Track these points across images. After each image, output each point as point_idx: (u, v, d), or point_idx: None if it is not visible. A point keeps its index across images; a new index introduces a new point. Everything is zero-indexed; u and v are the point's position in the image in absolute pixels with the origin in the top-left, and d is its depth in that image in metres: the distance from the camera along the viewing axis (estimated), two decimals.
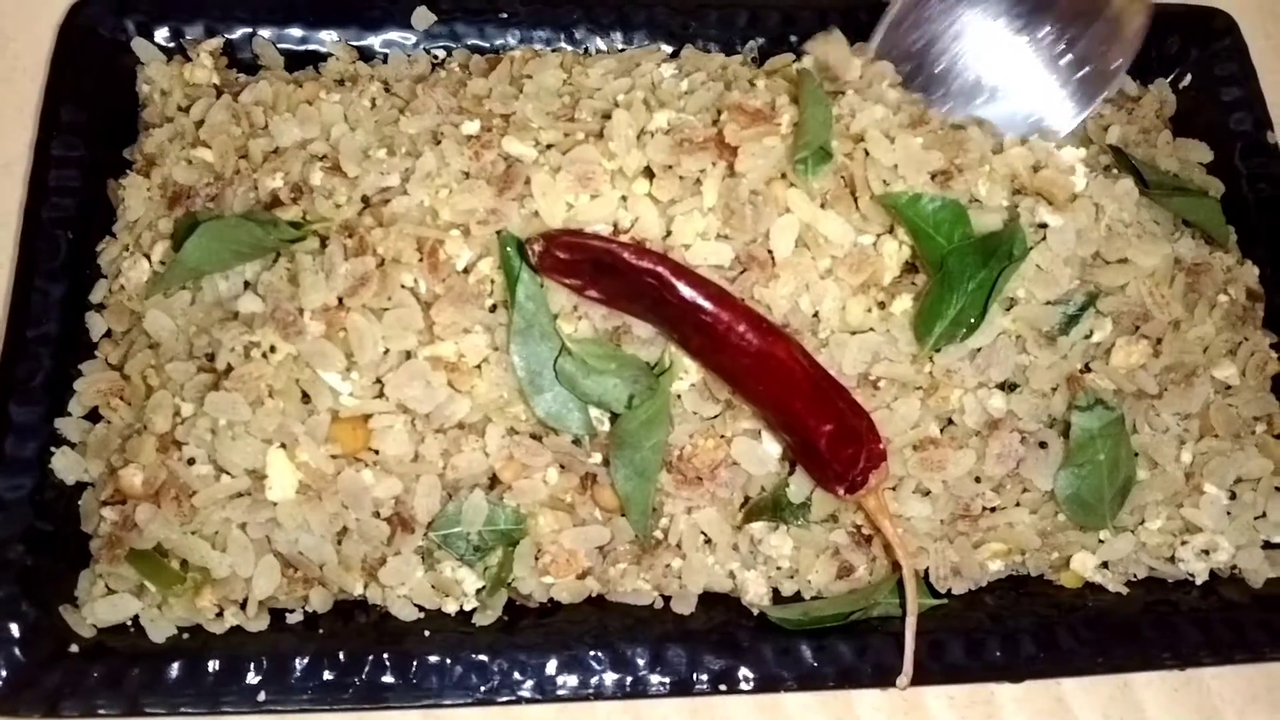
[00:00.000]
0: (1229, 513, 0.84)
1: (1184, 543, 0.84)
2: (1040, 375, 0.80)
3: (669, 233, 0.79)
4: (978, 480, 0.81)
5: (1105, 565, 0.84)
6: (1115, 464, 0.80)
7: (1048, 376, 0.80)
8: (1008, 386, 0.81)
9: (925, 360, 0.79)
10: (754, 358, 0.75)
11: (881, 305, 0.80)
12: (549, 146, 0.81)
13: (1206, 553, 0.84)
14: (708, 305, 0.75)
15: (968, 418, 0.80)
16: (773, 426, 0.78)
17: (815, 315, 0.79)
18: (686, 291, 0.74)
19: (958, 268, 0.77)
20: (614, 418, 0.77)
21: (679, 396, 0.79)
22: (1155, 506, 0.83)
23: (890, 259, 0.80)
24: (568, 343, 0.76)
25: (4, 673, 0.74)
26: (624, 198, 0.78)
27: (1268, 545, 0.84)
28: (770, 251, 0.78)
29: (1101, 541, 0.83)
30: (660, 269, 0.74)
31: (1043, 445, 0.81)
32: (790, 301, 0.78)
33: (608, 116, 0.80)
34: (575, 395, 0.76)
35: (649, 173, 0.80)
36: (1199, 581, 0.84)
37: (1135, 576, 0.84)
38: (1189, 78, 1.02)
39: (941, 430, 0.80)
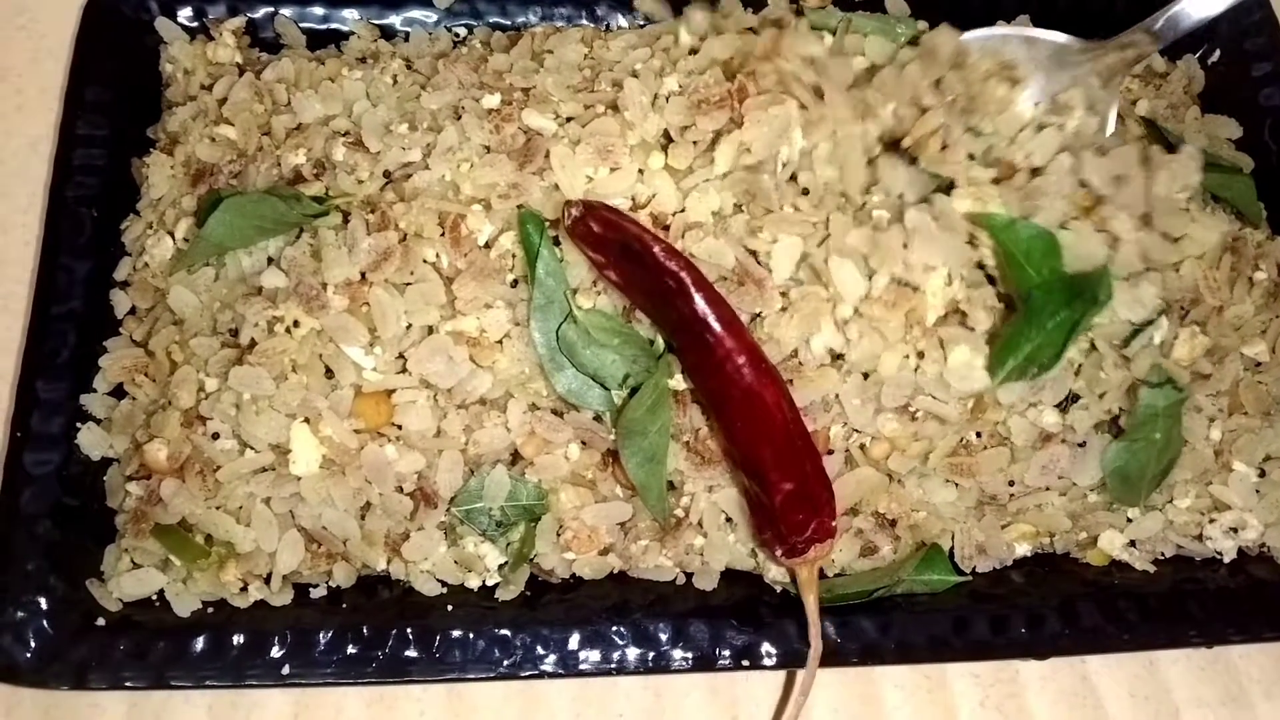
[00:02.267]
0: (1258, 490, 0.83)
1: (1212, 520, 0.83)
2: (1104, 388, 0.79)
3: (683, 208, 0.79)
4: (1011, 483, 0.80)
5: (1132, 544, 0.83)
6: (1167, 444, 0.79)
7: (1112, 388, 0.79)
8: (1066, 403, 0.79)
9: (987, 399, 0.77)
10: (742, 392, 0.74)
11: (921, 355, 0.77)
12: (569, 119, 0.81)
13: (1235, 530, 0.83)
14: (716, 326, 0.74)
15: (1017, 437, 0.79)
16: (734, 463, 0.77)
17: (838, 358, 0.78)
18: (700, 306, 0.74)
19: (1042, 303, 0.75)
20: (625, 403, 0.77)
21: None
22: (1184, 484, 0.83)
23: (936, 297, 0.77)
24: (575, 310, 0.75)
25: (33, 645, 0.74)
26: (641, 171, 0.78)
27: None
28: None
29: (1130, 520, 0.83)
30: (684, 275, 0.74)
31: (1082, 445, 0.80)
32: (798, 340, 0.77)
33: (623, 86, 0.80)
34: (573, 365, 0.76)
35: (667, 138, 0.79)
36: (1227, 559, 0.83)
37: (1163, 555, 0.83)
38: (1218, 53, 1.01)
39: (977, 435, 0.80)
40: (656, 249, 0.74)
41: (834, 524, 0.75)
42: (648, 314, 0.78)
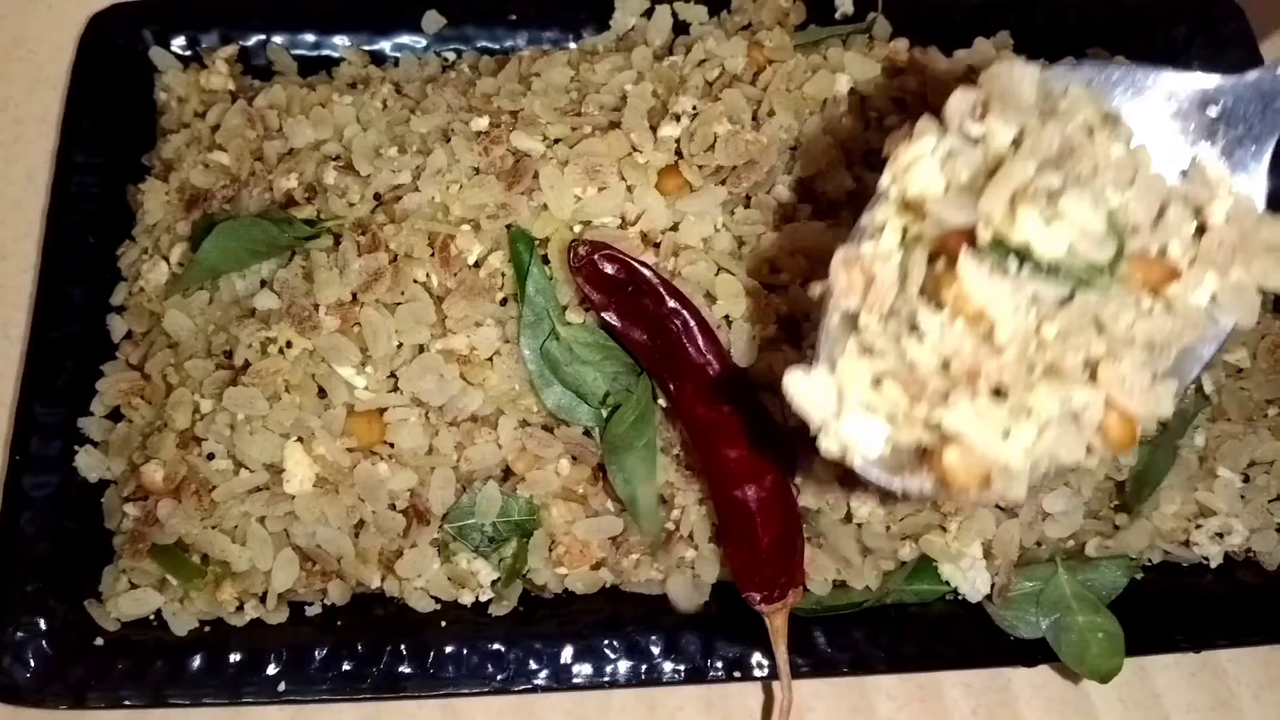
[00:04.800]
0: (1243, 496, 0.83)
1: (1198, 526, 0.83)
2: None
3: (675, 226, 0.80)
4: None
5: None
6: (1179, 449, 0.80)
7: None
8: None
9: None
10: (737, 456, 0.75)
11: None
12: (556, 141, 0.82)
13: (1220, 536, 0.83)
14: (715, 367, 0.76)
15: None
16: (718, 506, 0.77)
17: None
18: (704, 348, 0.76)
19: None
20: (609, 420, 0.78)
21: None
22: (1170, 491, 0.83)
23: None
24: (558, 326, 0.77)
25: (32, 665, 0.75)
26: (630, 189, 0.79)
27: None
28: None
29: (1117, 527, 0.83)
30: (690, 318, 0.76)
31: None
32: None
33: (617, 109, 0.82)
34: (557, 380, 0.77)
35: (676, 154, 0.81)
36: (1213, 565, 0.83)
37: (1150, 560, 0.84)
38: (1195, 66, 1.01)
39: None
40: (663, 289, 0.76)
41: (801, 575, 0.76)
42: (643, 355, 0.78)
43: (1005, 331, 0.52)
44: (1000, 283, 0.53)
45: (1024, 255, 0.52)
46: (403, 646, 0.77)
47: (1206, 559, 0.83)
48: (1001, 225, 0.52)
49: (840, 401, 0.56)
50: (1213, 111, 0.64)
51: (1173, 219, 0.58)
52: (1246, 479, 0.84)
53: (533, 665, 0.77)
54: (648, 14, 0.95)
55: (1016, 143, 0.56)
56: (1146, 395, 0.55)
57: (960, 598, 0.80)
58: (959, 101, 0.58)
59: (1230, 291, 0.58)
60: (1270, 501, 0.83)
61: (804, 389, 0.56)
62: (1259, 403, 0.85)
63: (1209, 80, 0.64)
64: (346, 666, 0.76)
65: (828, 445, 0.56)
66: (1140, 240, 0.55)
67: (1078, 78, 0.63)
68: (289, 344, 0.77)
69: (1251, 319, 0.59)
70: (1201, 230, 0.59)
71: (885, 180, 0.57)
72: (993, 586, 0.78)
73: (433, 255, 0.78)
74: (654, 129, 0.83)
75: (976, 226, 0.53)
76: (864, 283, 0.56)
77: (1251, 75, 0.63)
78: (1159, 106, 0.64)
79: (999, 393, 0.53)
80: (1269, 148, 0.63)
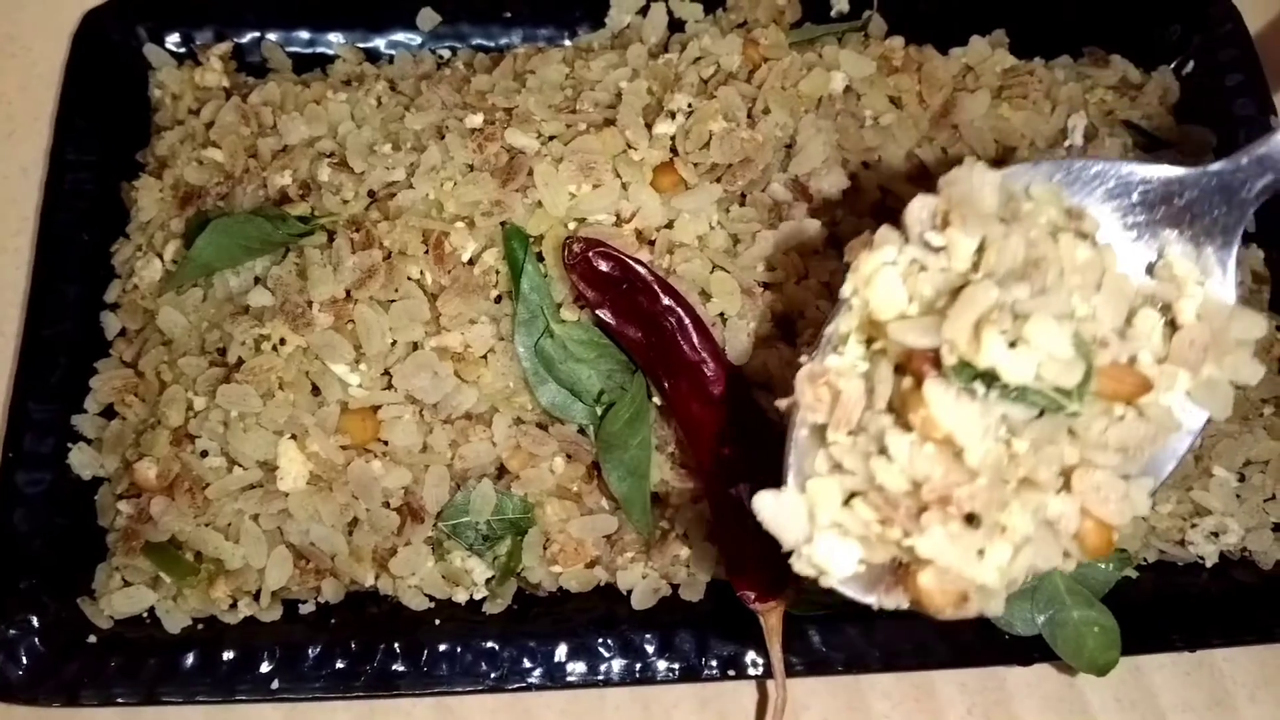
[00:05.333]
0: (1238, 495, 0.83)
1: (1194, 525, 0.83)
2: None
3: (670, 224, 0.80)
4: None
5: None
6: None
7: None
8: None
9: None
10: (731, 454, 0.75)
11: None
12: (551, 138, 0.82)
13: (1216, 535, 0.83)
14: (711, 366, 0.75)
15: None
16: (713, 503, 0.77)
17: None
18: (698, 349, 0.76)
19: None
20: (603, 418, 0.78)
21: None
22: (1165, 490, 0.83)
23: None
24: (553, 324, 0.76)
25: (25, 662, 0.75)
26: (625, 186, 0.79)
27: (1277, 527, 0.84)
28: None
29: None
30: (682, 313, 0.76)
31: None
32: None
33: (611, 106, 0.81)
34: (552, 378, 0.77)
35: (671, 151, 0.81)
36: (1209, 564, 0.83)
37: (1145, 560, 0.84)
38: (1191, 64, 1.02)
39: None
40: (657, 286, 0.76)
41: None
42: (638, 353, 0.78)
43: (975, 457, 0.52)
44: (968, 406, 0.52)
45: (991, 378, 0.52)
46: (397, 645, 0.77)
47: (1202, 558, 0.83)
48: (966, 351, 0.51)
49: (811, 522, 0.55)
50: (1179, 202, 0.62)
51: (1142, 325, 0.57)
52: (1242, 478, 0.84)
53: (527, 664, 0.77)
54: (643, 11, 0.95)
55: (981, 249, 0.55)
56: (1122, 503, 0.55)
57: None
58: (918, 209, 0.57)
59: (1203, 388, 0.58)
60: (1266, 501, 0.84)
61: (775, 511, 0.55)
62: (1255, 402, 0.86)
63: (1174, 171, 0.62)
64: (340, 665, 0.76)
65: (799, 567, 0.56)
66: (1110, 353, 0.54)
67: (1040, 174, 0.62)
68: (282, 341, 0.77)
69: (1225, 413, 0.59)
70: (1172, 325, 0.58)
71: (847, 289, 0.57)
72: None
73: (427, 252, 0.78)
74: (649, 126, 0.83)
75: (941, 350, 0.52)
76: (830, 397, 0.56)
77: (1215, 167, 0.62)
78: (1124, 199, 0.63)
79: (972, 517, 0.52)
80: (1237, 238, 0.62)
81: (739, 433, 0.75)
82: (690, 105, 0.84)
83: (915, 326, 0.53)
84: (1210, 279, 0.60)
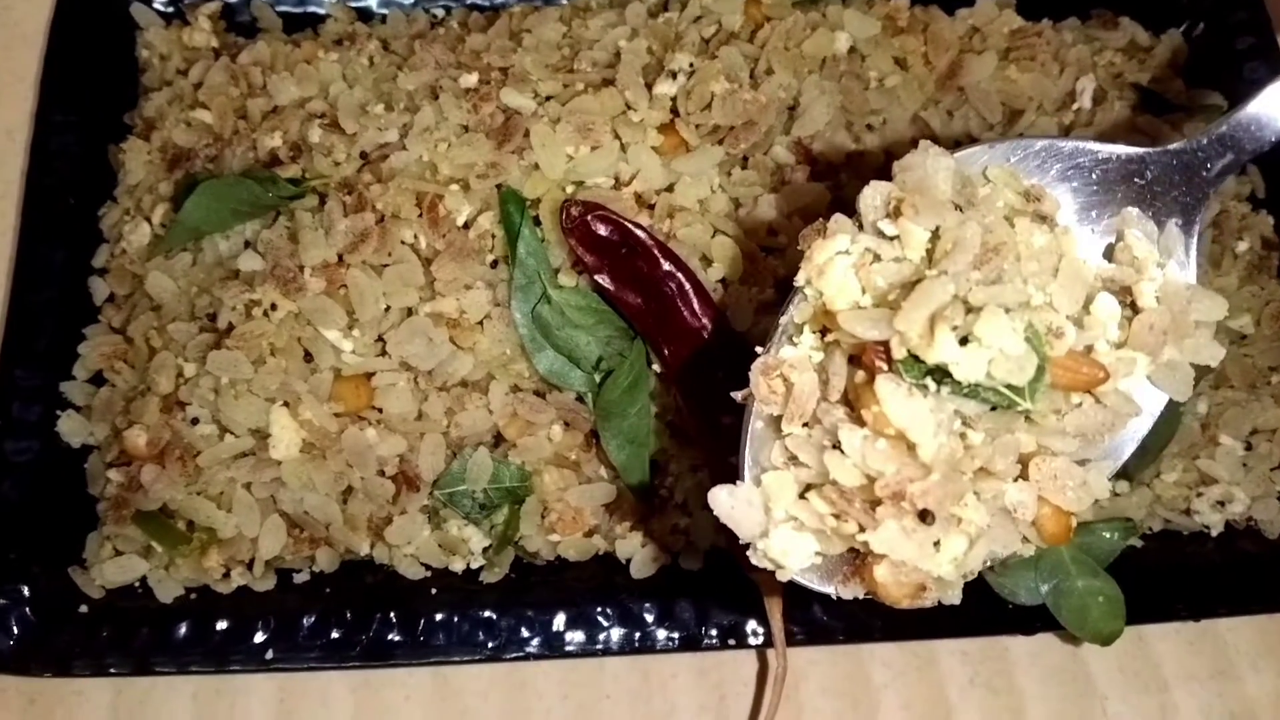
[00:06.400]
0: (1245, 464, 0.82)
1: (1199, 495, 0.82)
2: None
3: (669, 188, 0.78)
4: None
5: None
6: (1181, 418, 0.79)
7: None
8: None
9: None
10: (731, 423, 0.72)
11: None
12: (548, 98, 0.80)
13: (1222, 504, 0.82)
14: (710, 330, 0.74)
15: None
16: (713, 470, 0.76)
17: None
18: (699, 312, 0.74)
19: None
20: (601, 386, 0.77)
21: None
22: (1171, 459, 0.82)
23: None
24: (550, 289, 0.75)
25: (16, 633, 0.74)
26: (624, 148, 0.78)
27: None
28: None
29: (1116, 494, 0.82)
30: (682, 278, 0.75)
31: None
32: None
33: (610, 66, 0.80)
34: (549, 345, 0.75)
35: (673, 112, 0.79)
36: (1214, 533, 0.83)
37: (1150, 529, 0.83)
38: (1201, 26, 1.00)
39: None
40: (657, 251, 0.75)
41: None
42: (637, 319, 0.77)
43: (928, 452, 0.51)
44: (920, 402, 0.51)
45: (943, 374, 0.51)
46: (392, 614, 0.76)
47: (1207, 527, 0.83)
48: (917, 345, 0.51)
49: (767, 515, 0.55)
50: (1139, 181, 0.61)
51: (1099, 311, 0.56)
52: (1249, 447, 0.83)
53: (525, 633, 0.76)
54: None
55: (936, 237, 0.54)
56: (1080, 490, 0.55)
57: None
58: (872, 196, 0.56)
59: (1163, 371, 0.58)
60: (1272, 470, 0.83)
61: (730, 505, 0.55)
62: (1262, 369, 0.85)
63: (1134, 150, 0.61)
64: (335, 634, 0.75)
65: (756, 559, 0.56)
66: (1065, 343, 0.54)
67: (997, 156, 0.61)
68: (274, 306, 0.75)
69: (1186, 394, 0.58)
70: (1133, 308, 0.57)
71: (801, 278, 0.56)
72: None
73: (421, 216, 0.77)
74: (649, 86, 0.81)
75: (891, 343, 0.51)
76: (784, 389, 0.55)
77: (1176, 146, 0.61)
78: (1084, 179, 0.62)
79: (926, 512, 0.52)
80: (1198, 218, 0.61)
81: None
82: (691, 65, 0.82)
83: (866, 318, 0.53)
84: (1170, 260, 0.59)
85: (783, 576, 0.56)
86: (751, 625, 0.77)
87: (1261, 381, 0.84)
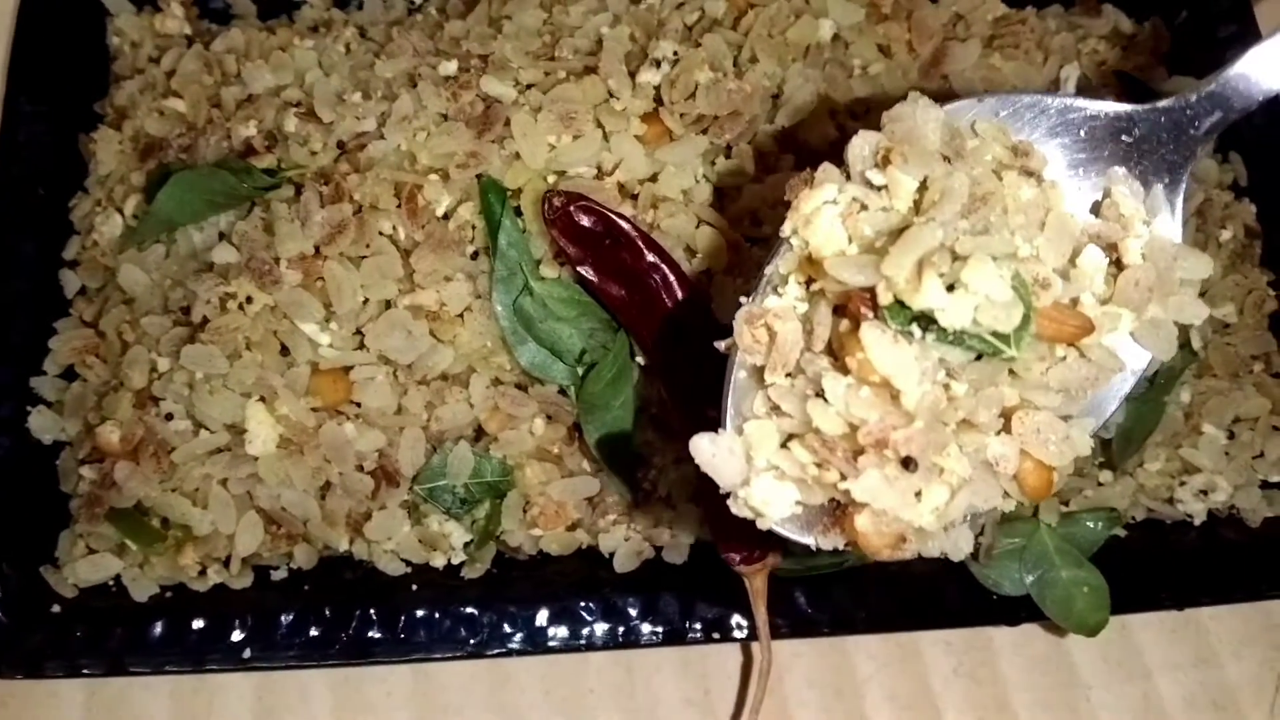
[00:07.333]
0: (1227, 453, 0.82)
1: (1182, 483, 0.83)
2: None
3: (654, 177, 0.77)
4: None
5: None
6: (1165, 406, 0.79)
7: None
8: None
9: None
10: (716, 415, 0.72)
11: None
12: (529, 86, 0.79)
13: (1205, 493, 0.82)
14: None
15: None
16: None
17: None
18: (683, 303, 0.73)
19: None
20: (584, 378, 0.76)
21: None
22: (1154, 448, 0.82)
23: None
24: (532, 281, 0.74)
25: None
26: (606, 137, 0.77)
27: (1265, 485, 0.83)
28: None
29: (1100, 484, 0.82)
30: (667, 269, 0.74)
31: None
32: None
33: (592, 53, 0.78)
34: (531, 338, 0.75)
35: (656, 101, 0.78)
36: (1197, 522, 0.83)
37: (1134, 518, 0.83)
38: (1184, 13, 1.00)
39: None
40: (640, 242, 0.74)
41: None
42: (620, 311, 0.76)
43: (911, 400, 0.51)
44: (905, 349, 0.51)
45: (929, 320, 0.51)
46: (372, 611, 0.75)
47: (1191, 516, 0.83)
48: (903, 290, 0.50)
49: (749, 464, 0.55)
50: (1127, 139, 0.61)
51: (1086, 264, 0.56)
52: (1231, 435, 0.83)
53: (507, 629, 0.75)
54: None
55: (924, 188, 0.54)
56: (1062, 444, 0.55)
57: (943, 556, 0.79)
58: (860, 145, 0.56)
59: (1147, 328, 0.57)
60: (1254, 458, 0.83)
61: (711, 453, 0.55)
62: (1245, 358, 0.85)
63: (1122, 107, 0.61)
64: (314, 632, 0.75)
65: (736, 509, 0.55)
66: (1051, 294, 0.54)
67: (985, 110, 0.61)
68: (249, 299, 0.74)
69: (1170, 352, 0.58)
70: (1118, 264, 0.57)
71: (787, 228, 0.56)
72: (977, 546, 0.77)
73: (399, 206, 0.76)
74: (632, 75, 0.80)
75: (877, 289, 0.51)
76: (768, 339, 0.55)
77: (1164, 103, 0.61)
78: (1072, 135, 0.61)
79: (909, 461, 0.52)
80: (1185, 176, 0.61)
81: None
82: (675, 53, 0.81)
83: (853, 264, 0.53)
84: (1157, 218, 0.59)
85: (763, 525, 0.56)
86: (736, 618, 0.76)
87: (1244, 370, 0.85)
